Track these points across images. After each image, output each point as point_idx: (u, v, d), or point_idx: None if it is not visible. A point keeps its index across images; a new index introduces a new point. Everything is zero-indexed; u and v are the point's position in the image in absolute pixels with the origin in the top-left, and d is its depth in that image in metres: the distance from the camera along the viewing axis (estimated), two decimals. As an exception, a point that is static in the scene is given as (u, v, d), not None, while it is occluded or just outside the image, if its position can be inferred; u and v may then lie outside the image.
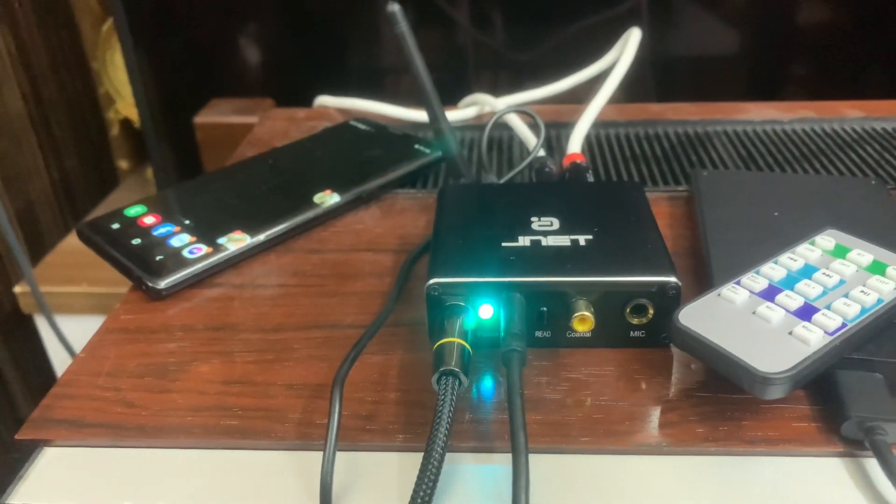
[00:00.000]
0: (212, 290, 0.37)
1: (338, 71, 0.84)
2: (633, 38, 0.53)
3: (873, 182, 0.41)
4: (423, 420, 0.28)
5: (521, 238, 0.33)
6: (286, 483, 0.27)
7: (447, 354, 0.28)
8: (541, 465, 0.26)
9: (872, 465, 0.26)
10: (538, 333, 0.32)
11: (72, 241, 0.99)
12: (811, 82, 0.80)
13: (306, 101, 0.78)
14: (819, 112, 0.54)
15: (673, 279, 0.30)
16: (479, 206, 0.36)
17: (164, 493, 0.26)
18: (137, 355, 0.33)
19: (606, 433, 0.28)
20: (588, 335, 0.31)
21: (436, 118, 0.40)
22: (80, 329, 0.91)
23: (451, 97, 0.87)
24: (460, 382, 0.27)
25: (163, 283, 0.36)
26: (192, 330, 0.34)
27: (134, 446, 0.28)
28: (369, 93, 0.86)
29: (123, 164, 1.17)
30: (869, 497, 0.25)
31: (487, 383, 0.31)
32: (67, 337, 0.89)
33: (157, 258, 0.37)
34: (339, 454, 0.26)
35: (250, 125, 0.73)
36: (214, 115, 0.74)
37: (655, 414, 0.29)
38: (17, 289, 0.91)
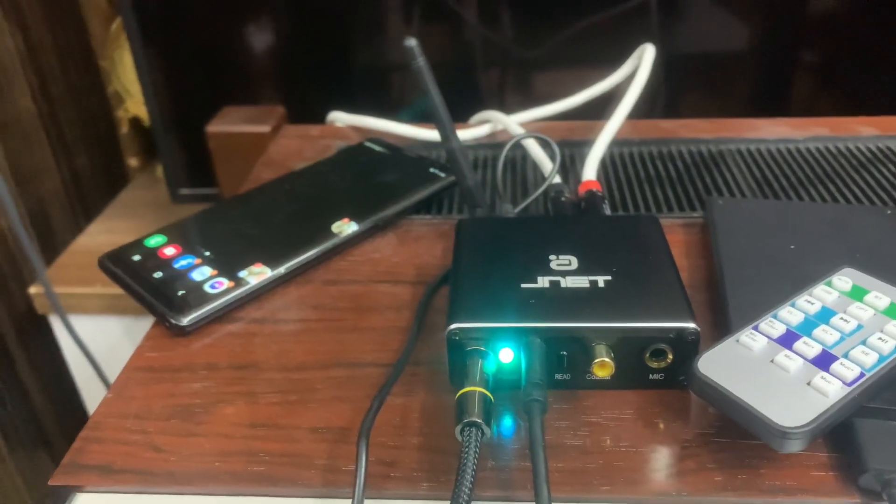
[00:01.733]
0: (233, 324, 0.38)
1: (348, 69, 0.84)
2: (647, 56, 0.53)
3: (889, 212, 0.41)
4: (446, 467, 0.29)
5: (539, 279, 0.33)
6: (314, 533, 0.27)
7: (469, 405, 0.28)
8: (563, 515, 0.27)
9: (889, 516, 0.27)
10: (558, 376, 0.32)
11: (84, 240, 1.00)
12: (825, 75, 0.80)
13: (317, 103, 0.78)
14: (833, 129, 0.54)
15: (692, 325, 0.31)
16: (497, 242, 0.37)
17: (195, 543, 0.27)
18: (163, 396, 0.33)
19: (626, 482, 0.28)
20: (608, 378, 0.32)
21: (455, 155, 0.40)
22: (95, 329, 0.92)
23: (459, 96, 0.87)
24: (483, 433, 0.28)
25: (185, 321, 0.36)
26: (215, 368, 0.35)
27: (164, 493, 0.29)
28: (380, 95, 0.86)
29: (133, 161, 1.18)
30: (886, 550, 0.26)
31: (507, 422, 0.32)
32: (82, 337, 0.91)
33: (179, 293, 0.38)
34: (365, 502, 0.27)
35: (262, 135, 0.73)
36: (226, 125, 0.74)
37: (674, 461, 0.29)
38: (32, 290, 0.92)
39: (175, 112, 0.89)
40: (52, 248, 1.00)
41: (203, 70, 0.88)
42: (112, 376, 0.92)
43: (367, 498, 0.28)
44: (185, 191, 0.95)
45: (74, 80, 1.07)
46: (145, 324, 0.85)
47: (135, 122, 1.11)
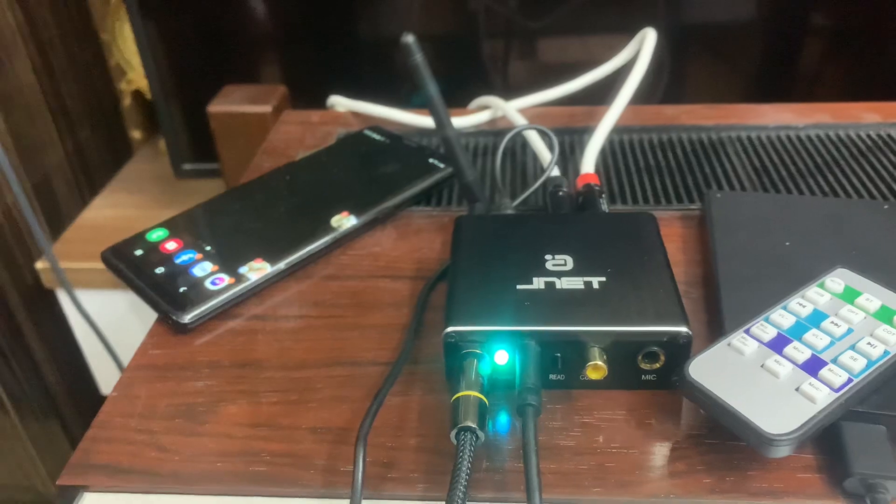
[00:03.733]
0: (234, 321, 0.38)
1: (350, 42, 0.83)
2: (647, 42, 0.53)
3: (886, 206, 0.41)
4: (442, 469, 0.30)
5: (535, 280, 0.34)
6: (314, 534, 0.28)
7: (464, 410, 0.29)
8: (555, 517, 0.28)
9: (872, 519, 0.27)
10: (552, 376, 0.33)
11: (89, 214, 1.01)
12: (835, 43, 0.79)
13: (319, 76, 0.77)
14: (834, 116, 0.53)
15: (684, 329, 0.31)
16: (494, 241, 0.37)
17: (200, 543, 0.28)
18: (167, 395, 0.34)
19: (617, 483, 0.29)
20: (601, 380, 0.32)
21: (454, 153, 0.40)
22: (102, 303, 0.93)
23: (463, 67, 0.86)
24: (477, 437, 0.29)
25: (187, 318, 0.37)
26: (217, 367, 0.35)
27: (169, 492, 0.30)
28: (383, 70, 0.85)
29: (136, 134, 1.18)
30: (867, 553, 0.27)
31: (503, 420, 0.32)
32: (89, 310, 0.92)
33: (181, 290, 0.38)
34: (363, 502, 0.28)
35: (263, 114, 0.73)
36: (228, 104, 0.74)
37: (664, 462, 0.30)
38: (39, 265, 0.93)
39: (177, 87, 0.89)
40: (57, 221, 1.01)
41: (204, 44, 0.88)
42: (119, 349, 0.93)
43: (365, 499, 0.29)
44: (188, 166, 0.95)
45: (75, 52, 1.07)
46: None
47: (137, 94, 1.10)
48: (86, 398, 1.09)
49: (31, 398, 1.00)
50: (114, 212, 1.02)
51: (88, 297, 0.93)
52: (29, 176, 0.98)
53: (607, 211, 0.42)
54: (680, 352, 0.31)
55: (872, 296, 0.32)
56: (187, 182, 0.97)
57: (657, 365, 0.32)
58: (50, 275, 0.92)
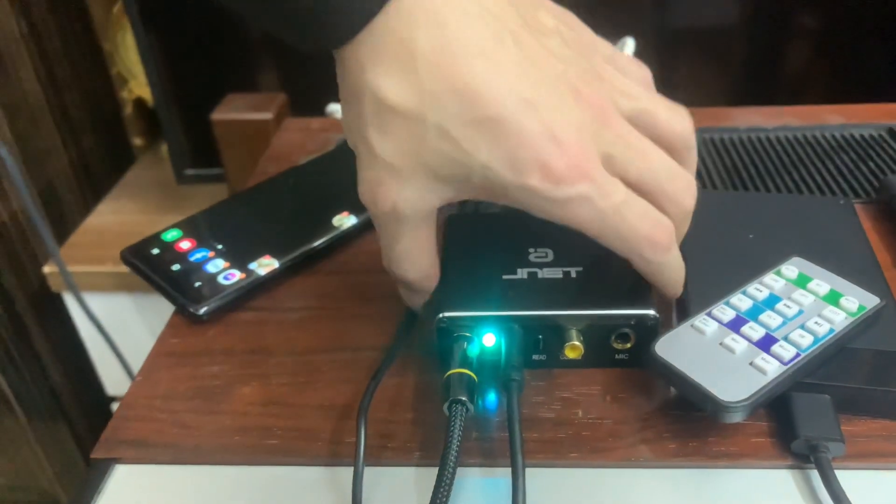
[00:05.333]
0: (245, 313, 0.42)
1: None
2: (626, 50, 0.56)
3: (841, 202, 0.44)
4: (435, 439, 0.33)
5: (519, 270, 0.37)
6: (322, 497, 0.32)
7: (455, 384, 0.32)
8: (537, 479, 0.31)
9: (817, 477, 0.31)
10: (535, 356, 0.36)
11: (94, 220, 1.04)
12: (820, 43, 0.82)
13: (317, 82, 0.80)
14: (802, 118, 0.57)
15: (651, 312, 0.35)
16: (482, 237, 0.40)
17: (221, 506, 0.32)
18: (186, 378, 0.37)
19: (592, 449, 0.33)
20: (578, 359, 0.36)
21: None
22: (107, 305, 0.96)
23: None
24: (467, 409, 0.32)
25: (203, 310, 0.40)
26: (231, 353, 0.39)
27: (191, 464, 0.34)
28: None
29: (138, 141, 1.21)
30: (811, 505, 0.30)
31: (490, 397, 0.36)
32: (95, 313, 0.95)
33: (196, 284, 0.42)
34: (365, 469, 0.31)
35: (265, 121, 0.77)
36: (230, 112, 0.77)
37: (634, 431, 0.33)
38: (46, 269, 0.96)
39: (178, 94, 0.92)
40: (62, 228, 1.03)
41: (205, 52, 0.91)
42: (125, 351, 0.96)
43: (367, 466, 0.32)
44: (190, 171, 0.98)
45: (78, 61, 1.10)
46: (155, 300, 0.89)
47: (138, 102, 1.14)
48: (91, 399, 1.11)
49: (38, 399, 1.03)
50: (117, 217, 1.05)
51: (93, 300, 0.96)
52: (34, 182, 1.00)
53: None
54: (648, 333, 0.35)
55: (822, 281, 0.36)
56: (188, 187, 0.99)
57: (628, 345, 0.35)
58: (56, 278, 0.95)
